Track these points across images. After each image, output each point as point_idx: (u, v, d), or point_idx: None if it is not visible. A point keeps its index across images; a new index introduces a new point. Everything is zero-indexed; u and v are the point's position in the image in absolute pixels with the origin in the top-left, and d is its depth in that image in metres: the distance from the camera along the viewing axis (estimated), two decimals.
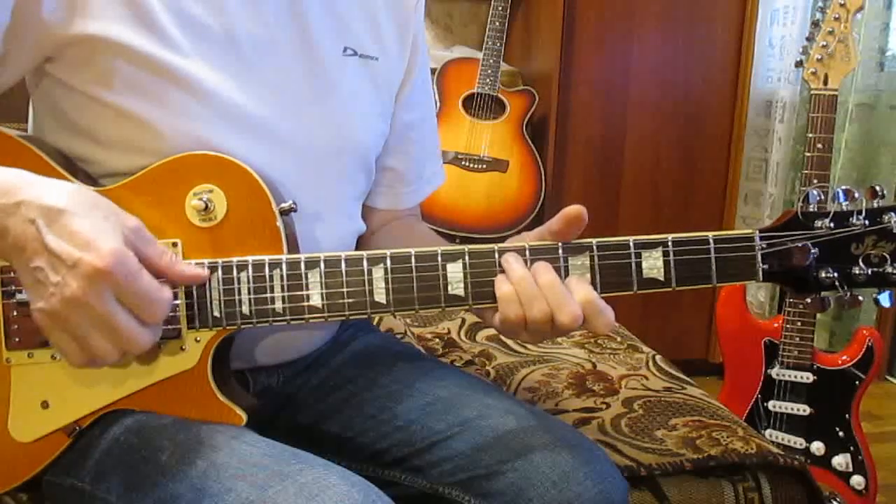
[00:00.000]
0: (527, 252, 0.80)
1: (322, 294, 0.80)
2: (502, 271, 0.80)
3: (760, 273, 0.79)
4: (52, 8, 0.80)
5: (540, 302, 0.77)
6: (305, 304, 0.80)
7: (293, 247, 0.84)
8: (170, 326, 0.79)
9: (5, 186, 0.71)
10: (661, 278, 0.80)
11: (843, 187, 0.79)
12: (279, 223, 0.82)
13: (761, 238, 0.80)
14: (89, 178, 0.85)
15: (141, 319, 0.73)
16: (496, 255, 0.80)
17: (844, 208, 0.79)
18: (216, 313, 0.80)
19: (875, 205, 0.78)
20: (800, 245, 0.79)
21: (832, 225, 0.79)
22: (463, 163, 2.37)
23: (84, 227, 0.70)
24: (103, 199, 0.75)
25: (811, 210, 0.79)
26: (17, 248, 0.71)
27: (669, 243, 0.79)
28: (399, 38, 1.02)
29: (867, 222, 0.78)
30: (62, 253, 0.69)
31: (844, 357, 1.79)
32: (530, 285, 0.77)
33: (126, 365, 0.81)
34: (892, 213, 0.78)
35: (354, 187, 0.99)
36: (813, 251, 0.79)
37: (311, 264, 0.80)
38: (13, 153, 0.82)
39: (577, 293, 0.78)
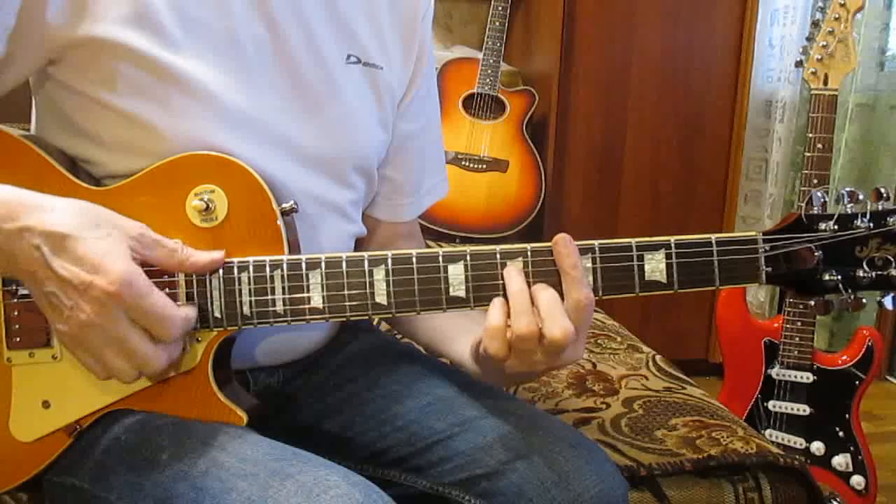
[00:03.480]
0: (528, 254, 0.79)
1: (323, 295, 0.80)
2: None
3: (763, 275, 0.79)
4: (56, 10, 0.79)
5: (528, 317, 0.76)
6: (306, 305, 0.80)
7: (294, 247, 0.83)
8: None
9: (5, 210, 0.71)
10: (664, 281, 0.79)
11: (847, 189, 0.78)
12: (280, 224, 0.82)
13: (764, 240, 0.79)
14: (91, 179, 0.85)
15: (155, 338, 0.75)
16: (497, 257, 0.79)
17: (848, 210, 0.78)
18: (217, 314, 0.80)
19: (879, 207, 0.77)
20: (803, 248, 0.79)
21: (836, 227, 0.78)
22: (463, 163, 2.36)
23: (90, 249, 0.71)
24: (104, 212, 0.76)
25: (815, 212, 0.79)
26: (27, 273, 0.73)
27: (672, 245, 0.79)
28: (404, 47, 1.01)
29: (871, 225, 0.77)
30: (72, 278, 0.71)
31: (844, 357, 1.80)
32: (524, 301, 0.77)
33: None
34: None
35: (354, 192, 0.98)
36: (817, 254, 0.78)
37: (312, 265, 0.80)
38: (15, 153, 0.82)
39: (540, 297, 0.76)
